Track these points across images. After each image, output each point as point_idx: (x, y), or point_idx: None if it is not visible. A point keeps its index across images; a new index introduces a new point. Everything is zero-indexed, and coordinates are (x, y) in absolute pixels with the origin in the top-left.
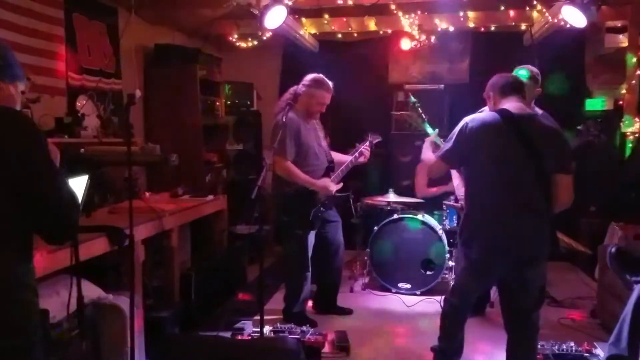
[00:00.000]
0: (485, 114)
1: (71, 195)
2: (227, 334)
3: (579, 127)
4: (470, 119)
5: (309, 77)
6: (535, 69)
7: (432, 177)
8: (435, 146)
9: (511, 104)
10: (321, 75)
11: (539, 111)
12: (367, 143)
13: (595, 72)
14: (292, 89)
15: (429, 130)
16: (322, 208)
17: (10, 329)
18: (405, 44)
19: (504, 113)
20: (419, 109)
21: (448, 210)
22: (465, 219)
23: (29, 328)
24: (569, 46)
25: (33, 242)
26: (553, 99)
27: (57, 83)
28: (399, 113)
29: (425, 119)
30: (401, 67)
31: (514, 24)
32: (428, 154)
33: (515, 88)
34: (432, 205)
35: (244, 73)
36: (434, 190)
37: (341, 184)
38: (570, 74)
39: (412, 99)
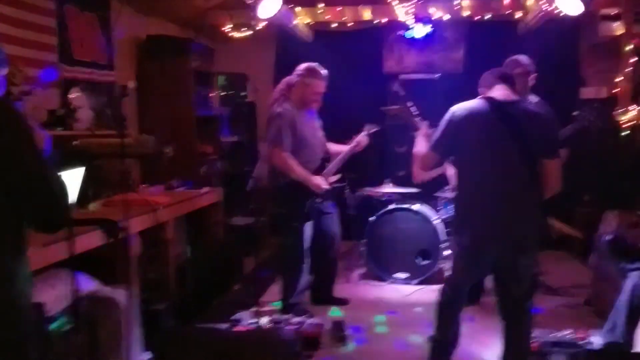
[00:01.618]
0: (471, 102)
1: (60, 184)
2: (224, 326)
3: (574, 114)
4: (456, 108)
5: (302, 66)
6: (527, 60)
7: (425, 169)
8: (429, 139)
9: (497, 92)
10: (314, 64)
11: (535, 99)
12: (364, 133)
13: (589, 61)
14: (285, 80)
15: (420, 124)
16: (317, 199)
17: (1, 322)
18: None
19: (489, 100)
20: (408, 102)
21: (444, 201)
22: (456, 206)
23: (20, 321)
24: (563, 35)
25: (26, 234)
26: (547, 88)
27: (50, 75)
28: (388, 108)
29: (415, 113)
30: (396, 57)
31: (508, 12)
32: (420, 147)
33: (501, 77)
34: (427, 195)
35: (237, 64)
36: (431, 173)
37: (338, 175)
38: (565, 63)
39: (401, 92)
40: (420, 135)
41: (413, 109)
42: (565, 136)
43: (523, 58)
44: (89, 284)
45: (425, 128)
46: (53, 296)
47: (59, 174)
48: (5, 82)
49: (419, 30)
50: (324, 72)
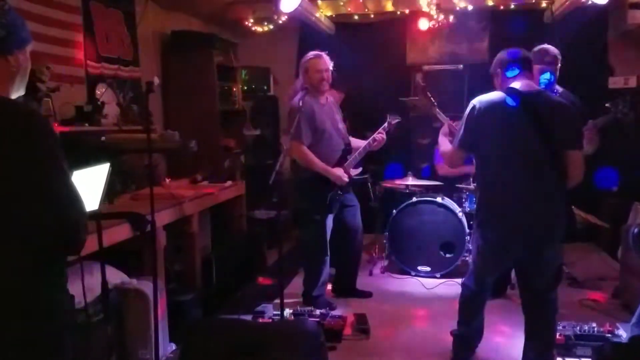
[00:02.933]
0: (492, 94)
1: (74, 195)
2: (248, 317)
3: (607, 105)
4: (477, 101)
5: None
6: (555, 49)
7: (454, 167)
8: (452, 134)
9: (518, 82)
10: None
11: (559, 89)
12: (386, 124)
13: (618, 49)
14: (296, 82)
15: (440, 115)
16: (339, 192)
17: (39, 314)
18: (423, 24)
19: (511, 92)
20: (429, 93)
21: (467, 193)
22: (480, 201)
23: (57, 313)
24: (590, 23)
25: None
26: (575, 77)
27: (77, 72)
28: (408, 99)
29: (435, 103)
30: (419, 48)
31: (534, 1)
32: (445, 145)
33: (521, 65)
34: (451, 187)
35: (260, 58)
36: (455, 170)
37: (360, 169)
38: (592, 52)
39: (421, 82)
40: (441, 134)
41: (433, 100)
42: (598, 127)
43: (551, 47)
44: (117, 276)
45: (446, 126)
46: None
47: (74, 188)
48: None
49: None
50: (320, 52)
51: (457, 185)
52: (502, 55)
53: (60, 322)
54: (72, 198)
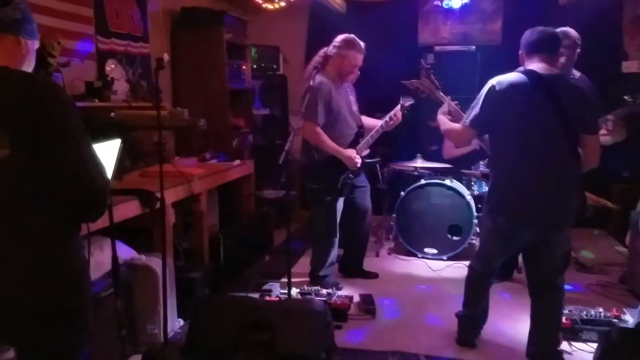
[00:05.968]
0: (511, 75)
1: (98, 165)
2: (256, 295)
3: (625, 97)
4: (496, 81)
5: (340, 37)
6: (575, 33)
7: (461, 146)
8: (452, 114)
9: (537, 65)
10: (352, 36)
11: (577, 74)
12: (399, 107)
13: (632, 34)
14: (322, 51)
15: (442, 97)
16: (351, 175)
17: (68, 288)
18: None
19: (530, 74)
20: (432, 74)
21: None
22: (493, 185)
23: (84, 286)
24: (605, 6)
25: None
26: (589, 61)
27: (87, 47)
28: (409, 81)
29: (440, 87)
30: (431, 28)
31: None
32: (447, 124)
33: (542, 47)
34: (459, 170)
35: (270, 36)
36: (463, 150)
37: (368, 150)
38: (607, 36)
39: (424, 64)
40: (440, 113)
41: (436, 83)
42: (620, 118)
43: (572, 30)
44: (126, 252)
45: (447, 105)
46: (92, 263)
47: (97, 155)
48: (37, 56)
49: (457, 0)
50: (362, 44)
51: (462, 171)
52: (527, 35)
53: (86, 293)
54: (97, 166)
